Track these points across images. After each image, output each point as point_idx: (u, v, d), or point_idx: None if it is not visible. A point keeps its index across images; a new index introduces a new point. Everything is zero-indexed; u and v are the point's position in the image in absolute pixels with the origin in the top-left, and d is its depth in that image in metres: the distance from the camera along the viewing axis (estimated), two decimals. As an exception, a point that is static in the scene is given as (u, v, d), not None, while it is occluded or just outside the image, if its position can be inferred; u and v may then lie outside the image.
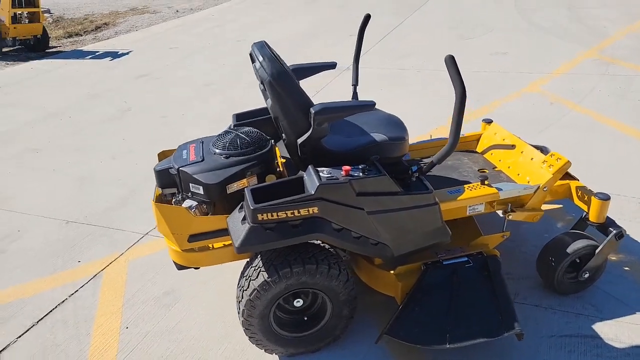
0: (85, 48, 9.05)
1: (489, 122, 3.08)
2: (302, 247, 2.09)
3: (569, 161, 2.37)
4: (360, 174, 2.04)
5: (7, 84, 6.88)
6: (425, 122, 4.57)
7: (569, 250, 2.32)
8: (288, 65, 2.58)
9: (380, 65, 6.42)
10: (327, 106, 2.03)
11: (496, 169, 2.75)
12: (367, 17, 2.81)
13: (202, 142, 2.40)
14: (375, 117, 2.51)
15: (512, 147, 2.77)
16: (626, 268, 2.62)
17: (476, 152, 2.97)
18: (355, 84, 2.96)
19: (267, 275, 2.00)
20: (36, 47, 8.94)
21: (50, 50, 9.14)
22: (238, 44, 8.33)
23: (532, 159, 2.59)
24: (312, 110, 2.01)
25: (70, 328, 2.48)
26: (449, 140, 2.02)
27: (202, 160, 2.23)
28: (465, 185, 2.36)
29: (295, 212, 1.95)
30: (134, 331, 2.43)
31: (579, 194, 2.48)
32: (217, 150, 2.27)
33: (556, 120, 4.40)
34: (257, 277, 2.02)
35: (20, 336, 2.45)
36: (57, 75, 7.28)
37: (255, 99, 5.48)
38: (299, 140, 2.12)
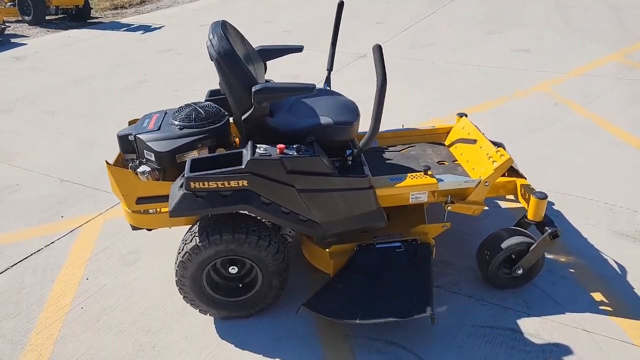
0: (124, 20, 9.44)
1: (462, 116, 3.10)
2: (236, 217, 2.23)
3: (510, 158, 2.39)
4: (295, 153, 2.15)
5: (42, 50, 7.31)
6: (422, 112, 4.59)
7: (504, 245, 2.36)
8: (254, 46, 2.71)
9: (397, 54, 6.40)
10: (266, 86, 2.14)
11: (455, 162, 2.79)
12: (341, 4, 2.87)
13: (166, 113, 2.57)
14: (333, 101, 2.59)
15: (474, 141, 2.80)
16: (571, 270, 2.62)
17: (442, 145, 3.00)
18: (329, 69, 3.04)
19: (198, 240, 2.16)
20: (78, 17, 9.39)
21: (91, 20, 9.58)
22: (265, 24, 8.47)
23: (487, 154, 2.62)
24: (253, 89, 2.13)
25: (38, 274, 2.73)
26: (370, 126, 2.10)
27: (158, 130, 2.39)
28: (408, 174, 2.42)
29: (226, 183, 2.09)
30: (92, 282, 2.66)
31: (522, 192, 2.50)
32: (174, 122, 2.42)
33: (554, 121, 4.32)
34: (190, 241, 2.18)
35: (-5, 276, 2.73)
36: (90, 44, 7.66)
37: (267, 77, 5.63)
38: (243, 117, 2.25)
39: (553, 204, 3.17)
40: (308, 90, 2.19)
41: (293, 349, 2.22)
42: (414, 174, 2.43)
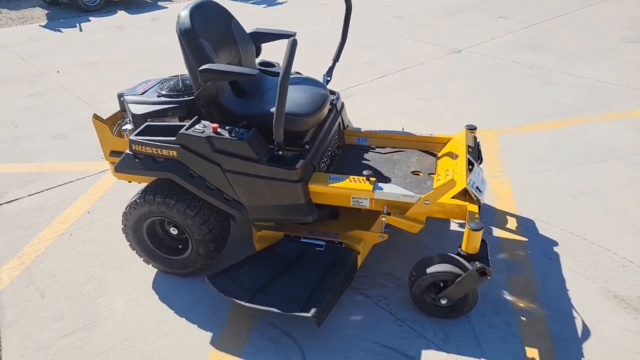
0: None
1: (471, 128, 2.88)
2: (175, 184, 2.42)
3: (456, 182, 2.19)
4: (226, 134, 2.26)
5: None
6: (476, 119, 4.26)
7: (428, 270, 2.20)
8: (248, 28, 2.83)
9: (498, 53, 5.91)
10: (209, 67, 2.26)
11: (431, 175, 2.63)
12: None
13: (162, 81, 2.85)
14: (304, 92, 2.60)
15: (457, 157, 2.60)
16: (522, 318, 2.33)
17: (434, 155, 2.83)
18: (334, 59, 3.03)
19: (137, 197, 2.42)
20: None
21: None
22: (382, 8, 8.40)
23: (445, 172, 2.45)
24: (199, 68, 2.28)
25: (58, 201, 3.28)
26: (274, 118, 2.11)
27: (142, 94, 2.69)
28: (350, 176, 2.37)
29: (159, 150, 2.30)
30: (90, 216, 3.12)
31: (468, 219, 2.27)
32: (157, 89, 2.69)
33: (626, 154, 3.67)
34: (133, 197, 2.45)
35: (8, 202, 3.35)
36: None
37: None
38: (195, 94, 2.41)
39: (556, 243, 2.79)
40: (249, 76, 2.26)
41: (202, 313, 2.39)
42: (355, 177, 2.36)
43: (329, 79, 2.99)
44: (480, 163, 2.93)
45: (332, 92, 3.03)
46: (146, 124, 2.46)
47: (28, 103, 4.99)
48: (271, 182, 2.28)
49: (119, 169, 2.40)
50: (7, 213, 3.21)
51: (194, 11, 2.39)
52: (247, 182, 2.29)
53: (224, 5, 2.65)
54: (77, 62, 6.18)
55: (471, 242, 2.14)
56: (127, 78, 5.49)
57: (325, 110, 2.59)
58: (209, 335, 2.28)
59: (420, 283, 2.24)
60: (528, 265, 2.65)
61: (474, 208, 2.27)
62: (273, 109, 2.40)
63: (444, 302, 2.24)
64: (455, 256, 2.21)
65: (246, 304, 2.14)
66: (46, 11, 9.14)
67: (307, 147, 2.43)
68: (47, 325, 2.35)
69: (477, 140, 2.83)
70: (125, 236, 2.57)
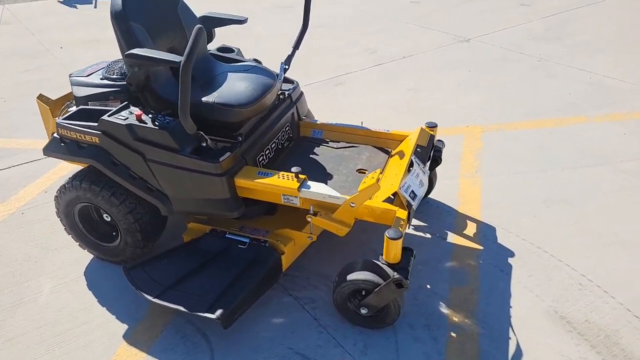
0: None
1: (430, 126, 2.70)
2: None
3: (376, 186, 2.03)
4: (149, 122, 2.18)
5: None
6: (463, 115, 4.03)
7: (349, 277, 2.07)
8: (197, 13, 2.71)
9: (508, 44, 5.58)
10: (134, 52, 2.17)
11: (376, 172, 2.48)
12: None
13: (110, 64, 2.78)
14: (249, 80, 2.47)
15: (403, 156, 2.44)
16: (452, 334, 2.17)
17: (387, 152, 2.67)
18: (294, 47, 2.88)
19: (66, 182, 2.38)
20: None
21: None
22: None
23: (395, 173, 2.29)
24: (125, 53, 2.19)
25: (20, 179, 3.31)
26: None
27: (87, 76, 2.63)
28: (279, 172, 2.25)
29: (83, 136, 2.24)
30: (46, 196, 3.12)
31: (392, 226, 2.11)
32: (103, 73, 2.63)
33: (617, 161, 3.38)
34: (64, 182, 2.42)
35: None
36: None
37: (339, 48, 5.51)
38: (126, 79, 2.33)
39: (512, 254, 2.60)
40: (173, 62, 2.15)
41: (125, 305, 2.34)
42: (284, 173, 2.24)
43: (286, 67, 2.84)
44: (436, 165, 2.76)
45: (291, 81, 2.90)
46: (80, 107, 2.40)
47: (23, 78, 5.06)
48: (194, 175, 2.19)
49: (46, 151, 2.36)
50: (-32, 186, 3.26)
51: None
52: (170, 173, 2.21)
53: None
54: (82, 39, 6.21)
55: (390, 251, 2.00)
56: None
57: (268, 101, 2.46)
58: (124, 328, 2.23)
59: (341, 290, 2.12)
60: (475, 276, 2.47)
61: (402, 214, 2.11)
62: (205, 98, 2.30)
63: (364, 311, 2.11)
64: (380, 264, 2.07)
65: (153, 300, 2.08)
66: (68, -14, 9.25)
67: (240, 139, 2.32)
68: (-28, 305, 2.37)
69: (434, 140, 2.65)
70: (60, 220, 2.54)
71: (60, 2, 8.14)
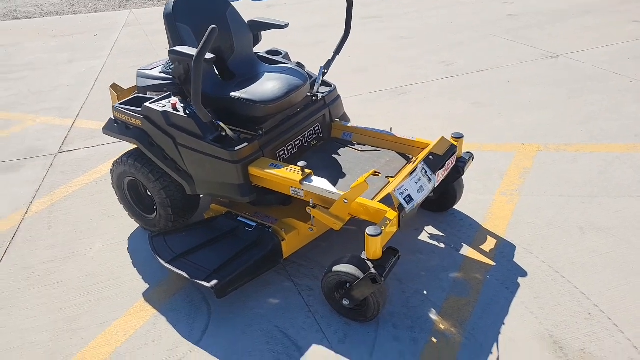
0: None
1: (456, 136, 2.73)
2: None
3: (364, 184, 2.13)
4: (181, 111, 2.50)
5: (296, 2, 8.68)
6: (495, 133, 3.88)
7: (334, 268, 2.19)
8: (246, 19, 3.00)
9: (599, 63, 5.20)
10: (175, 49, 2.49)
11: (389, 177, 2.57)
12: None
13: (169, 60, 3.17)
14: (278, 80, 2.69)
15: (414, 161, 2.51)
16: (434, 339, 2.18)
17: (406, 158, 2.74)
18: (335, 53, 3.06)
19: (118, 157, 2.80)
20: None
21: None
22: (502, 5, 7.84)
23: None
24: (169, 49, 2.53)
25: (87, 161, 3.86)
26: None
27: (150, 70, 3.04)
28: (289, 166, 2.43)
29: (130, 119, 2.63)
30: (98, 185, 3.61)
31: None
32: (163, 67, 3.03)
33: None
34: (117, 157, 2.84)
35: (69, 150, 4.00)
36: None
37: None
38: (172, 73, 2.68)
39: (525, 274, 2.51)
40: (206, 61, 2.43)
41: (153, 269, 2.67)
42: (293, 167, 2.42)
43: (325, 71, 3.03)
44: (458, 176, 2.75)
45: (328, 85, 3.08)
46: (135, 94, 2.81)
47: (129, 72, 5.82)
48: (214, 160, 2.46)
49: (105, 130, 2.80)
50: (64, 159, 3.89)
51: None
52: (195, 157, 2.50)
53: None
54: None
55: (370, 248, 2.08)
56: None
57: (293, 100, 2.66)
58: (145, 287, 2.57)
59: (327, 279, 2.24)
60: (477, 290, 2.44)
61: (391, 215, 2.18)
62: (233, 93, 2.57)
63: (346, 303, 2.21)
64: (363, 259, 2.16)
65: (164, 264, 2.38)
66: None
67: (260, 132, 2.55)
68: (39, 251, 2.87)
69: (457, 151, 2.66)
70: (115, 191, 2.98)
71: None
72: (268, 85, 2.64)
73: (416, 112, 4.38)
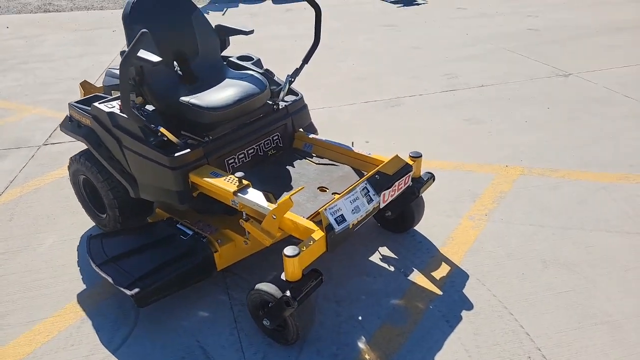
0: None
1: (414, 155, 2.61)
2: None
3: (288, 202, 2.04)
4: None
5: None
6: (485, 150, 3.69)
7: (257, 285, 2.10)
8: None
9: (611, 84, 4.92)
10: (123, 49, 2.45)
11: (335, 194, 2.47)
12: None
13: None
14: (233, 87, 2.63)
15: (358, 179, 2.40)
16: (367, 357, 2.07)
17: (361, 174, 2.63)
18: (303, 61, 2.97)
19: (73, 155, 2.80)
20: None
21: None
22: (526, 18, 7.57)
23: None
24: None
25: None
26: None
27: (117, 69, 3.03)
28: (228, 176, 2.36)
29: (82, 118, 2.62)
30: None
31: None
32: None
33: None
34: (72, 155, 2.84)
35: (54, 143, 4.04)
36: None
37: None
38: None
39: (471, 307, 2.36)
40: (147, 62, 2.37)
41: (88, 269, 2.62)
42: (232, 177, 2.35)
43: (292, 80, 2.94)
44: (413, 197, 2.62)
45: (295, 93, 3.00)
46: (94, 94, 2.80)
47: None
48: (155, 165, 2.41)
49: (61, 127, 2.80)
50: (46, 152, 3.95)
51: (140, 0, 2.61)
52: (138, 160, 2.47)
53: None
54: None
55: (287, 269, 1.99)
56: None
57: (245, 108, 2.58)
58: (82, 288, 2.55)
59: (250, 297, 2.16)
60: (415, 320, 2.31)
61: (317, 235, 2.08)
62: (183, 98, 2.52)
63: (266, 323, 2.12)
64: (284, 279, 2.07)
65: (94, 267, 2.34)
66: (215, -6, 10.42)
67: (207, 139, 2.50)
68: (-6, 243, 2.91)
69: (408, 170, 2.52)
70: (72, 186, 2.98)
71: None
72: (222, 92, 2.59)
73: (403, 126, 4.23)
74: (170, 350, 2.19)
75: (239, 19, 8.19)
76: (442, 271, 2.59)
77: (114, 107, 2.52)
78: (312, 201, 2.41)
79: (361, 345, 2.19)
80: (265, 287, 2.06)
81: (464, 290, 2.46)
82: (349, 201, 2.21)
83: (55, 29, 8.07)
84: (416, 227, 2.90)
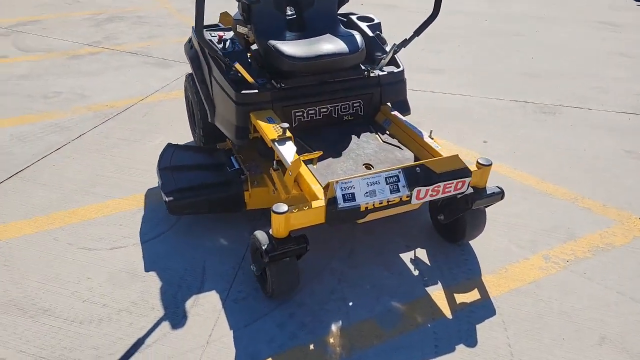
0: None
1: (484, 163, 2.32)
2: None
3: (298, 161, 2.01)
4: (222, 44, 2.68)
5: None
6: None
7: (255, 232, 2.15)
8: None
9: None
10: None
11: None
12: None
13: None
14: (330, 45, 2.62)
15: None
16: (311, 347, 2.02)
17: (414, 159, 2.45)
18: (415, 32, 2.79)
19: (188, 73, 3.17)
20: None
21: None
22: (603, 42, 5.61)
23: None
24: None
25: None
26: None
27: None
28: (276, 124, 2.40)
29: (194, 41, 2.94)
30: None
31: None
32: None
33: None
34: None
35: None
36: None
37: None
38: None
39: (473, 344, 2.06)
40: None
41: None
42: (275, 125, 2.38)
43: (397, 50, 2.80)
44: (465, 208, 2.33)
45: (397, 65, 2.85)
46: (216, 23, 3.09)
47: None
48: (225, 97, 2.60)
49: (185, 46, 3.17)
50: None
51: None
52: (217, 89, 2.68)
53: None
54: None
55: (273, 224, 2.01)
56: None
57: (325, 65, 2.55)
58: (154, 185, 2.95)
59: (251, 239, 2.22)
60: (402, 329, 2.11)
61: (318, 203, 2.01)
62: (271, 42, 2.61)
63: (252, 267, 2.19)
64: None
65: (157, 170, 2.66)
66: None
67: (279, 86, 2.57)
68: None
69: (464, 174, 2.23)
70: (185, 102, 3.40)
71: None
72: (311, 45, 2.61)
73: (540, 136, 3.65)
74: (182, 259, 2.43)
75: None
76: (467, 297, 2.28)
77: (215, 36, 2.75)
78: (347, 173, 2.33)
79: (334, 328, 2.11)
80: (259, 234, 2.12)
81: (478, 325, 2.14)
82: (365, 183, 2.07)
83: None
84: (472, 243, 2.57)
